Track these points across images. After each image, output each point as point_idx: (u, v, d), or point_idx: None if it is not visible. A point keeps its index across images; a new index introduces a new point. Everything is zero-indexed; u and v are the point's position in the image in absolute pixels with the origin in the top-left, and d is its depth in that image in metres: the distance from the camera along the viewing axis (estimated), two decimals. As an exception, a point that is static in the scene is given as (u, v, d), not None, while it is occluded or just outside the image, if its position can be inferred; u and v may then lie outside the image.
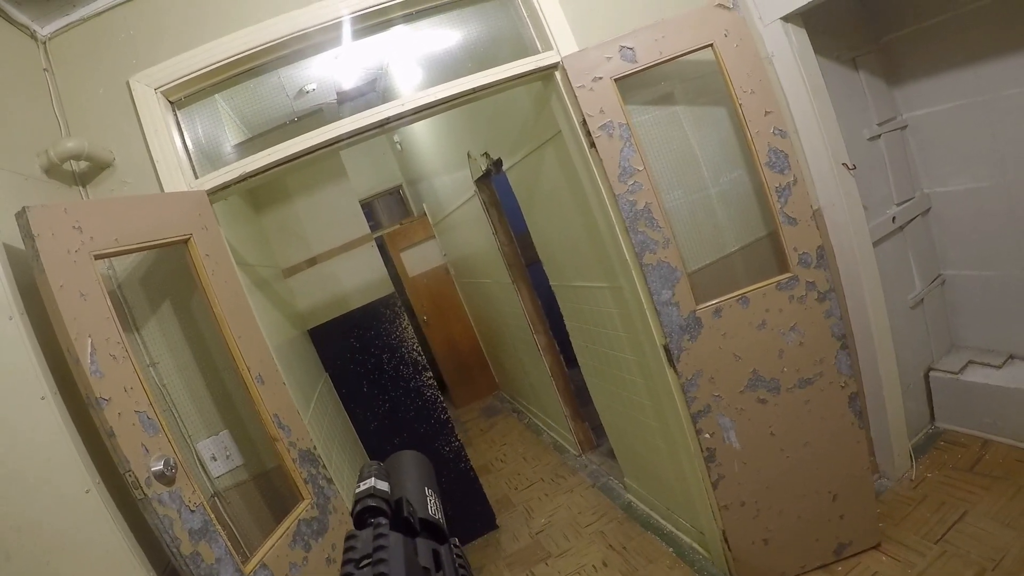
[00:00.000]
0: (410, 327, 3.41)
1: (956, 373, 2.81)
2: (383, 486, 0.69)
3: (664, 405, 2.46)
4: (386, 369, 3.35)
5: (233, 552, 1.50)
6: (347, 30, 2.15)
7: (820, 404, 2.26)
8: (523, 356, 4.73)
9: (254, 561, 1.57)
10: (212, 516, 1.51)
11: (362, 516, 0.65)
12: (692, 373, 2.20)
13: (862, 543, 2.36)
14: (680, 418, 2.32)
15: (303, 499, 1.84)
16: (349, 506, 2.04)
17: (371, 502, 0.66)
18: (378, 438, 3.32)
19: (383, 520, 0.64)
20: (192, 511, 1.46)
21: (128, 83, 1.97)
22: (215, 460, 1.94)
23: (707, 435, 2.24)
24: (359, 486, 0.69)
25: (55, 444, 1.37)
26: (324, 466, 2.01)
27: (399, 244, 6.27)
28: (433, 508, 0.72)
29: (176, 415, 1.89)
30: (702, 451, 2.26)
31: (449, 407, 5.37)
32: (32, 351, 1.40)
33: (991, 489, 2.43)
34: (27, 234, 1.39)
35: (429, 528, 0.70)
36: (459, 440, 3.54)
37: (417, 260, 6.14)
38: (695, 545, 2.74)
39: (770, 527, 2.32)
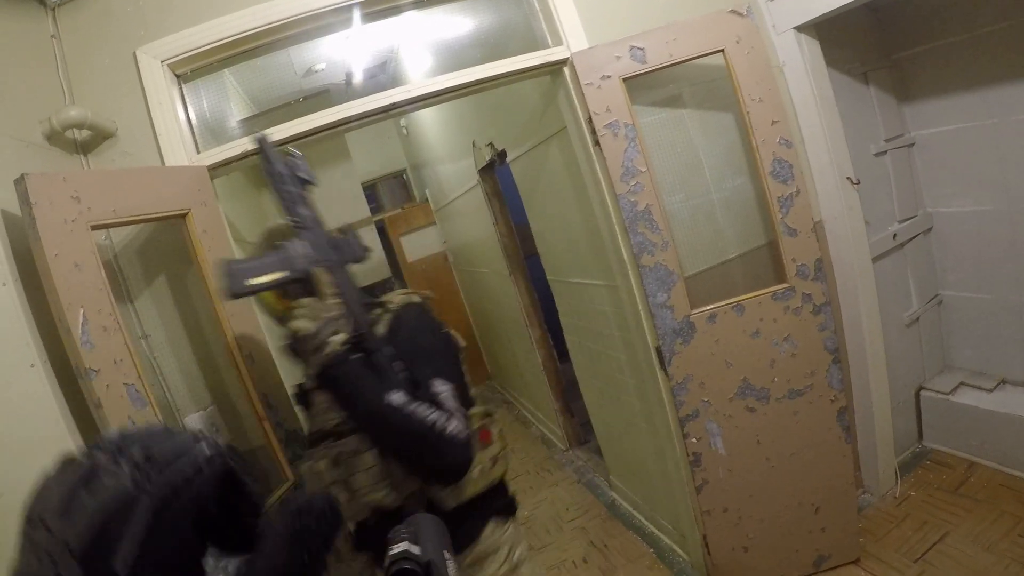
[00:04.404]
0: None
1: (947, 394, 2.81)
2: (416, 550, 0.76)
3: (653, 407, 2.47)
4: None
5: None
6: (357, 13, 2.14)
7: (808, 416, 2.26)
8: (516, 348, 4.72)
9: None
10: (195, 492, 1.51)
11: None
12: (683, 377, 2.20)
13: (842, 557, 2.37)
14: (668, 421, 2.33)
15: (287, 479, 1.85)
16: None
17: (407, 565, 0.73)
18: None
19: None
20: (175, 486, 1.46)
21: (135, 54, 1.95)
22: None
23: (694, 440, 2.25)
24: (392, 548, 0.75)
25: (43, 412, 1.37)
26: (310, 448, 2.01)
27: (399, 228, 6.22)
28: (454, 573, 0.79)
29: (165, 387, 1.89)
30: (688, 455, 2.26)
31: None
32: (24, 318, 1.40)
33: (974, 511, 2.44)
34: (24, 201, 1.38)
35: None
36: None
37: (417, 245, 6.09)
38: (675, 547, 2.76)
39: (751, 535, 2.33)
